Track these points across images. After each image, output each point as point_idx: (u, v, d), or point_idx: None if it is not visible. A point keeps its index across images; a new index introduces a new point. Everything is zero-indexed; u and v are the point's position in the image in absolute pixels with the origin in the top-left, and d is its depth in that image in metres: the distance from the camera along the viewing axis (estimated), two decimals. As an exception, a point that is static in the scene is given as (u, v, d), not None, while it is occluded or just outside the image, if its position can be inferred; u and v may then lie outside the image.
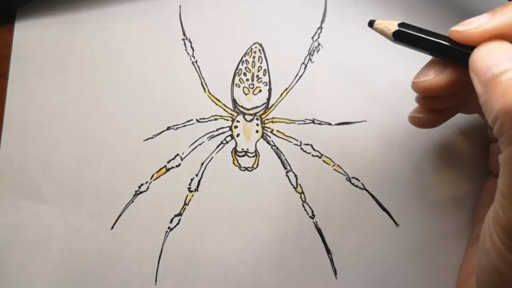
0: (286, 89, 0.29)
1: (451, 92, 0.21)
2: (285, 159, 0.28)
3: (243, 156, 0.28)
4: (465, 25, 0.18)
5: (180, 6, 0.29)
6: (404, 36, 0.21)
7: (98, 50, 0.28)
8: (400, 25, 0.21)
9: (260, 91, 0.29)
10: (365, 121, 0.29)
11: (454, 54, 0.20)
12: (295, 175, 0.28)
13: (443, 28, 0.21)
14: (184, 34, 0.29)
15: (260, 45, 0.29)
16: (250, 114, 0.29)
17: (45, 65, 0.28)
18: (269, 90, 0.29)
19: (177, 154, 0.28)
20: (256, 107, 0.29)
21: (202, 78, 0.29)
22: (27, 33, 0.28)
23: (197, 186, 0.28)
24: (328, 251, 0.28)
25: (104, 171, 0.28)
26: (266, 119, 0.29)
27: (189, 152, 0.28)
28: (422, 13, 0.30)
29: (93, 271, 0.27)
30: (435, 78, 0.21)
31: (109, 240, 0.28)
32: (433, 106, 0.24)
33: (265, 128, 0.29)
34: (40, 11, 0.29)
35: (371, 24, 0.22)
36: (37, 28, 0.28)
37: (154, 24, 0.28)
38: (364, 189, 0.28)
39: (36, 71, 0.28)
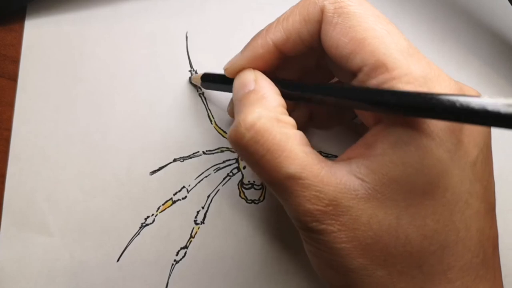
0: (293, 121, 0.29)
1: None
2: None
3: (249, 188, 0.28)
4: (228, 64, 0.24)
5: (186, 38, 0.28)
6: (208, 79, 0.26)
7: (105, 82, 0.28)
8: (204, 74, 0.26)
9: (267, 123, 0.29)
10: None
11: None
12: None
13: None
14: (191, 65, 0.28)
15: (267, 76, 0.29)
16: (256, 146, 0.29)
17: (51, 94, 0.28)
18: (276, 122, 0.29)
19: (183, 187, 0.28)
20: (263, 139, 0.29)
21: (209, 110, 0.28)
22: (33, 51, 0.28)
23: (203, 219, 0.28)
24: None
25: (110, 203, 0.28)
26: (273, 151, 0.29)
27: (195, 185, 0.28)
28: (431, 34, 0.30)
29: (99, 304, 0.27)
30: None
31: (115, 273, 0.28)
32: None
33: (272, 160, 0.29)
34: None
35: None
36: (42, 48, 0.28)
37: (161, 55, 0.28)
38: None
39: (42, 99, 0.28)
